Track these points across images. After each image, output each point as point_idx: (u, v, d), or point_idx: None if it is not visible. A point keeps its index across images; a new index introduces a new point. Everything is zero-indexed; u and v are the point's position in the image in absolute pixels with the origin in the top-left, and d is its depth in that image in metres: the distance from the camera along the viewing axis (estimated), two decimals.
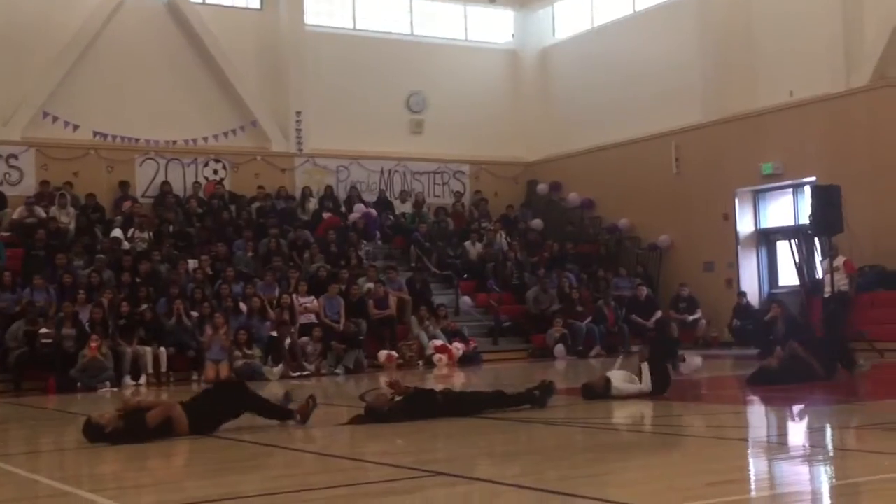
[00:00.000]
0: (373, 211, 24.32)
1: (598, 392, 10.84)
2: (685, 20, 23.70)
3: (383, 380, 14.45)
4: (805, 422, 9.38)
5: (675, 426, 8.99)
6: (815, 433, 8.43)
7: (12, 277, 18.28)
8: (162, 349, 17.57)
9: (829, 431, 8.51)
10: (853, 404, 10.58)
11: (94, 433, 8.61)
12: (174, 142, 23.72)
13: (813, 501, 5.56)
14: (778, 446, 7.96)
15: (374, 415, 9.35)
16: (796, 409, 10.23)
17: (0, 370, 16.73)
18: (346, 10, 26.20)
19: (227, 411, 9.22)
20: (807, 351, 12.23)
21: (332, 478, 6.67)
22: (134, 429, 8.54)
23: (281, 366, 17.84)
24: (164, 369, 17.43)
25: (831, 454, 7.23)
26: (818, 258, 19.18)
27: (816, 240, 18.76)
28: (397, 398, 9.53)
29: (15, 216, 20.86)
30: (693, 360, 12.01)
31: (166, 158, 23.50)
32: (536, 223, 25.93)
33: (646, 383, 10.80)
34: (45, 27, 22.40)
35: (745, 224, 22.61)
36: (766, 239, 22.72)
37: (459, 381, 15.49)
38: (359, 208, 24.12)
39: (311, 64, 25.04)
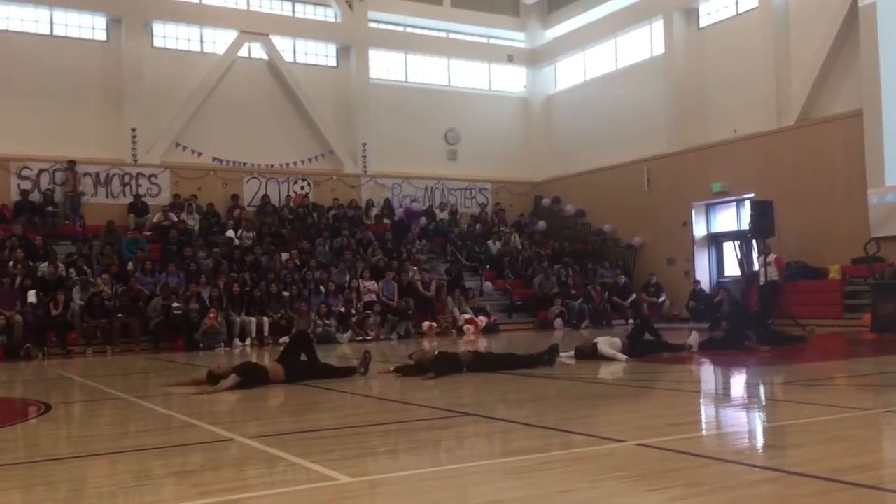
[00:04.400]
0: (414, 205, 24.27)
1: (587, 353, 10.82)
2: (654, 75, 23.56)
3: (425, 343, 14.42)
4: (743, 379, 9.28)
5: (646, 381, 8.93)
6: (751, 387, 8.35)
7: (153, 265, 18.49)
8: (264, 318, 17.70)
9: (762, 386, 8.43)
10: (780, 366, 10.46)
11: (212, 381, 8.70)
12: (272, 165, 23.88)
13: (749, 439, 5.51)
14: (723, 397, 7.89)
15: (419, 368, 9.35)
16: (736, 369, 10.13)
17: (143, 333, 16.92)
18: (399, 67, 26.25)
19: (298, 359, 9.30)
20: (736, 328, 12.19)
21: (387, 416, 6.68)
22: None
23: (350, 332, 17.90)
24: (266, 334, 17.55)
25: (763, 403, 7.16)
26: (755, 255, 19.01)
27: (754, 241, 18.58)
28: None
29: (154, 220, 21.12)
30: (693, 336, 11.92)
31: (266, 177, 23.65)
32: (541, 225, 25.87)
33: (623, 351, 10.77)
34: (177, 80, 22.63)
35: (699, 229, 22.45)
36: (716, 240, 22.54)
37: (482, 345, 15.45)
38: (400, 211, 24.17)
39: (373, 107, 25.10)
